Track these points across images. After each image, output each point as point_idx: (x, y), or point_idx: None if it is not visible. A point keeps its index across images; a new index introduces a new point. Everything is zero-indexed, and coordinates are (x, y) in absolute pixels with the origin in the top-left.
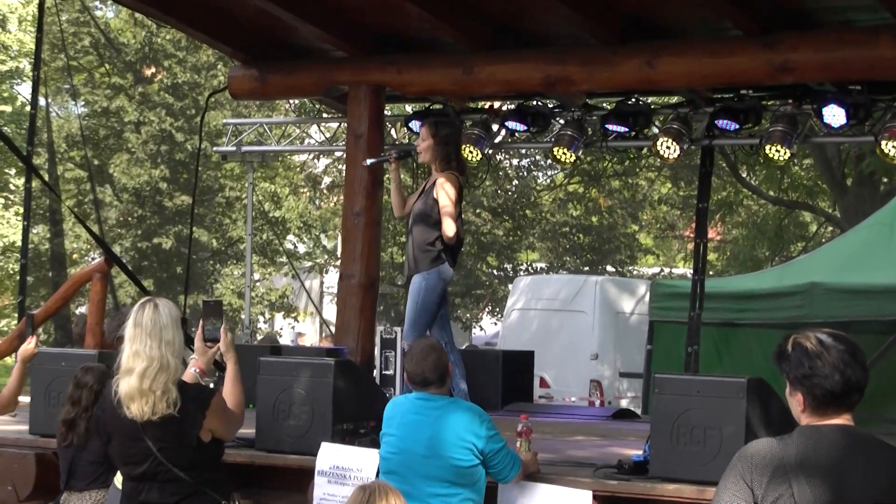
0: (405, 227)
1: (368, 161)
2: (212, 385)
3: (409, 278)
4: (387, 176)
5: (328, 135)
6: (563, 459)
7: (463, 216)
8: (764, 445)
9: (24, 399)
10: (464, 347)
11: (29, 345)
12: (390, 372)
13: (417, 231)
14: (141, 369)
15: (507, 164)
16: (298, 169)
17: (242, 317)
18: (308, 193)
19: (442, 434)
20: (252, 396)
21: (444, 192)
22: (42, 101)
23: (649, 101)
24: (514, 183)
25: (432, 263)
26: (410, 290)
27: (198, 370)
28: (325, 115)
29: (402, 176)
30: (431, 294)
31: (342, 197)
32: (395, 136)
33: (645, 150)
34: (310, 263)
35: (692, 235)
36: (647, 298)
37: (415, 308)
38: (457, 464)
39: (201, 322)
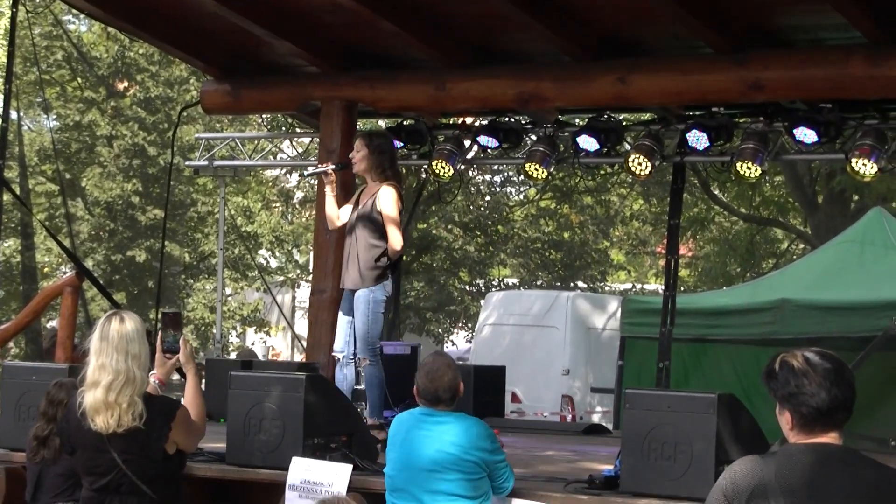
0: (350, 237)
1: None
2: (182, 400)
3: (350, 289)
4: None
5: (300, 150)
6: (533, 474)
7: (435, 232)
8: (747, 464)
9: None
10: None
11: None
12: (362, 387)
13: (363, 245)
14: (107, 382)
15: (480, 180)
16: (271, 184)
17: (214, 331)
18: (280, 208)
19: (449, 448)
20: (224, 411)
21: (389, 203)
22: (14, 115)
23: (621, 117)
24: (486, 199)
25: (378, 280)
26: (358, 305)
27: (157, 381)
28: (297, 130)
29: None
30: (380, 307)
31: (314, 212)
32: None
33: (617, 167)
34: (282, 278)
35: (664, 252)
36: (618, 314)
37: (367, 322)
38: (465, 477)
39: (160, 334)
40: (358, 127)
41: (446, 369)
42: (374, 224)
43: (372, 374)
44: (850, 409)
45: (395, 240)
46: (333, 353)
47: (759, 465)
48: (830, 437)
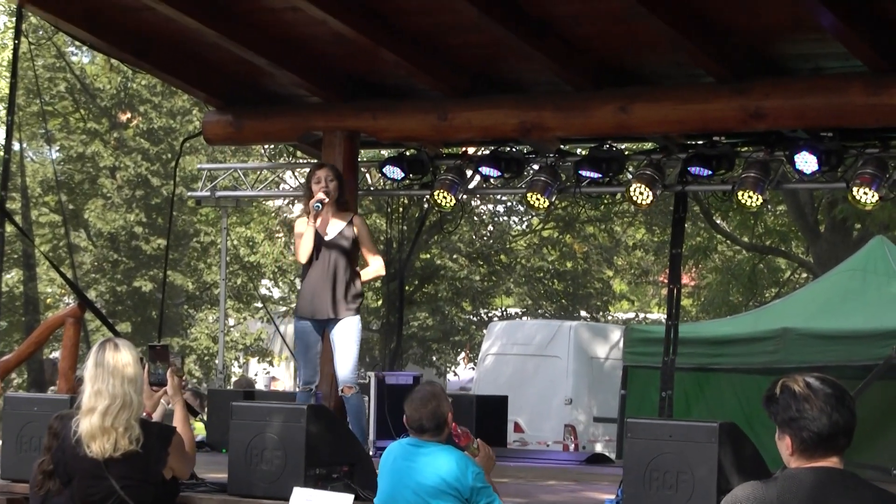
0: (320, 265)
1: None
2: None
3: (329, 318)
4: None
5: (303, 180)
6: None
7: (438, 261)
8: (748, 488)
9: None
10: None
11: None
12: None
13: (343, 273)
14: (103, 407)
15: (483, 210)
16: (273, 214)
17: (216, 361)
18: (283, 238)
19: (429, 481)
20: (226, 441)
21: (368, 232)
22: (16, 146)
23: (622, 147)
24: (489, 228)
25: (359, 310)
26: (343, 332)
27: (145, 414)
28: (299, 160)
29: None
30: (360, 334)
31: None
32: (369, 181)
33: (618, 196)
34: (284, 308)
35: (666, 281)
36: (621, 343)
37: (357, 349)
38: None
39: (147, 366)
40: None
41: (431, 398)
42: (349, 252)
43: (361, 403)
44: (850, 434)
45: (382, 266)
46: (304, 385)
47: (760, 488)
48: (831, 462)
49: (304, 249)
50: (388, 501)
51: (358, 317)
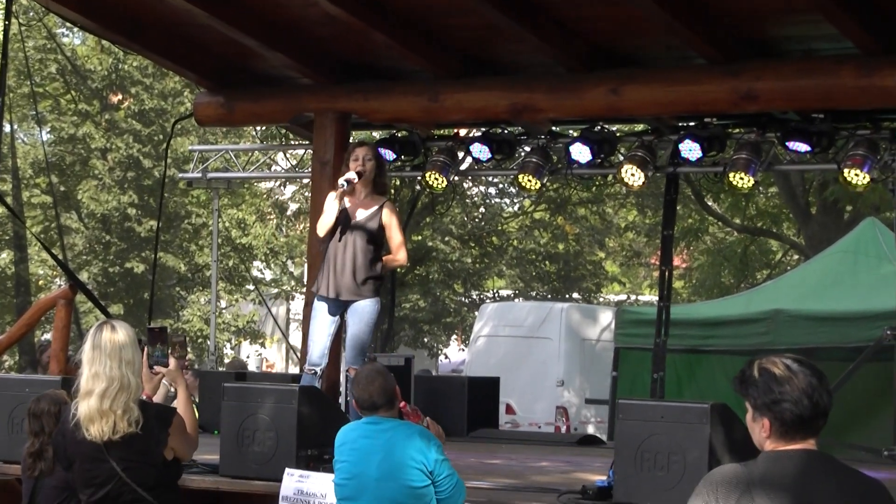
0: (343, 245)
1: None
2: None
3: (346, 299)
4: None
5: (294, 162)
6: (527, 485)
7: (430, 243)
8: (729, 469)
9: None
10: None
11: None
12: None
13: (363, 255)
14: (101, 390)
15: (475, 192)
16: (265, 196)
17: (209, 343)
18: (275, 220)
19: (393, 456)
20: (218, 422)
21: (397, 221)
22: (7, 128)
23: (614, 128)
24: (480, 210)
25: (377, 292)
26: (359, 315)
27: (145, 397)
28: (291, 142)
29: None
30: (376, 319)
31: (308, 223)
32: None
33: (610, 178)
34: (276, 290)
35: (658, 263)
36: (612, 325)
37: (368, 332)
38: (410, 484)
39: (146, 349)
40: (351, 139)
41: (376, 375)
42: (375, 236)
43: None
44: (827, 415)
45: (405, 257)
46: (310, 367)
47: (741, 470)
48: (809, 444)
49: (324, 224)
50: (351, 480)
51: (376, 299)
